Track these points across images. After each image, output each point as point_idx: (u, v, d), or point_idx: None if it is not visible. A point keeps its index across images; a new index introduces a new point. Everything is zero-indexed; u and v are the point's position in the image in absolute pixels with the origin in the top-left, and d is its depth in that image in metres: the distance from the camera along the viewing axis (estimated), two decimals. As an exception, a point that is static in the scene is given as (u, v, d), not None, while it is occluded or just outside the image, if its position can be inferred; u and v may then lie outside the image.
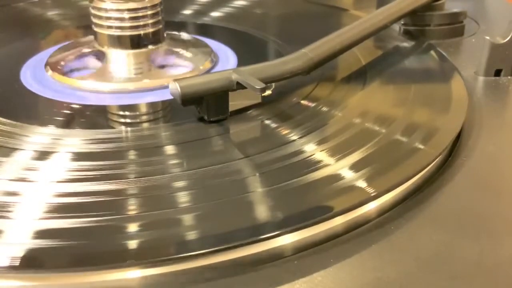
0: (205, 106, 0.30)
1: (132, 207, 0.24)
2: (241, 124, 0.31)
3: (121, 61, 0.38)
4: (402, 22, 0.45)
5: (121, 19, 0.37)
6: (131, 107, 0.34)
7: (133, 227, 0.22)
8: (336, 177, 0.25)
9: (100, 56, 0.38)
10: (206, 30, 0.48)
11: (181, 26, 0.48)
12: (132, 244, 0.21)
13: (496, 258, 0.22)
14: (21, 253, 0.21)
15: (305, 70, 0.33)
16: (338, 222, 0.23)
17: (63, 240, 0.21)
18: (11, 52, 0.43)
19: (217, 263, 0.22)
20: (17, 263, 0.20)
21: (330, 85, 0.35)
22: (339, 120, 0.31)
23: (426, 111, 0.32)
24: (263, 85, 0.29)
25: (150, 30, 0.38)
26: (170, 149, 0.28)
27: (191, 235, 0.22)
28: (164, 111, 0.34)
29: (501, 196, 0.26)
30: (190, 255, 0.21)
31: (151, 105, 0.34)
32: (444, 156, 0.29)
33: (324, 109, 0.32)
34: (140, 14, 0.37)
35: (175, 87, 0.30)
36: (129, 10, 0.37)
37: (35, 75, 0.38)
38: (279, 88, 0.33)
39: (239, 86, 0.30)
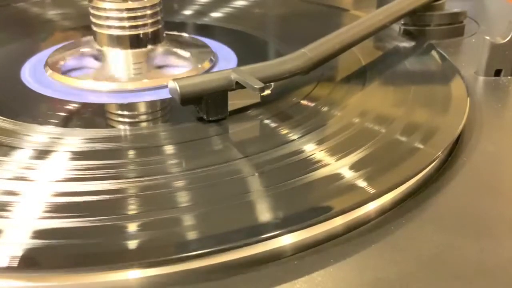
0: (204, 106, 0.30)
1: (132, 207, 0.23)
2: (241, 123, 0.31)
3: (121, 60, 0.38)
4: (402, 22, 0.45)
5: (121, 19, 0.37)
6: (130, 107, 0.34)
7: (132, 227, 0.22)
8: (336, 177, 0.25)
9: (100, 55, 0.38)
10: (206, 30, 0.48)
11: (181, 26, 0.48)
12: (132, 244, 0.21)
13: (496, 258, 0.22)
14: (20, 253, 0.21)
15: (304, 70, 0.33)
16: (338, 222, 0.23)
17: (63, 240, 0.21)
18: (11, 52, 0.43)
19: (217, 263, 0.21)
20: (16, 263, 0.20)
21: (330, 85, 0.35)
22: (339, 120, 0.31)
23: (426, 111, 0.32)
24: (262, 85, 0.29)
25: (150, 30, 0.38)
26: (169, 149, 0.28)
27: (191, 235, 0.22)
28: (163, 111, 0.34)
29: (501, 196, 0.26)
30: (190, 255, 0.21)
31: (150, 104, 0.34)
32: (444, 156, 0.29)
33: (324, 109, 0.32)
34: (139, 14, 0.37)
35: (174, 86, 0.30)
36: (128, 10, 0.37)
37: (35, 75, 0.38)
38: (279, 88, 0.33)
39: (238, 85, 0.30)
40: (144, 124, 0.32)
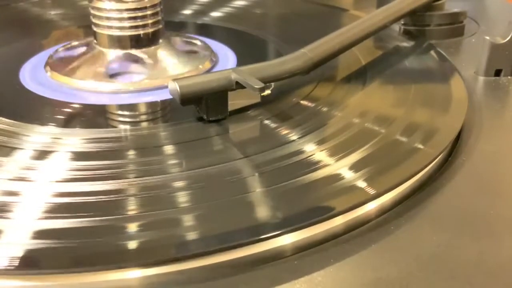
0: (205, 106, 0.30)
1: (132, 207, 0.23)
2: (241, 124, 0.31)
3: (121, 61, 0.38)
4: (402, 22, 0.45)
5: (121, 19, 0.37)
6: (131, 107, 0.34)
7: (133, 227, 0.22)
8: (336, 177, 0.25)
9: (100, 56, 0.38)
10: (206, 30, 0.48)
11: (181, 26, 0.48)
12: (132, 244, 0.21)
13: (496, 258, 0.22)
14: (20, 253, 0.21)
15: (305, 70, 0.33)
16: (338, 222, 0.23)
17: (63, 240, 0.21)
18: (11, 52, 0.43)
19: (217, 263, 0.22)
20: (16, 263, 0.20)
21: (330, 85, 0.35)
22: (339, 120, 0.31)
23: (426, 111, 0.32)
24: (262, 85, 0.29)
25: (150, 30, 0.38)
26: (169, 149, 0.28)
27: (191, 235, 0.22)
28: (164, 111, 0.34)
29: (501, 196, 0.26)
30: (190, 255, 0.21)
31: (151, 104, 0.34)
32: (444, 156, 0.29)
33: (324, 109, 0.32)
34: (139, 14, 0.37)
35: (174, 86, 0.30)
36: (128, 10, 0.37)
37: (35, 75, 0.38)
38: (279, 88, 0.33)
39: (239, 85, 0.30)
40: (144, 125, 0.32)
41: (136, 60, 0.38)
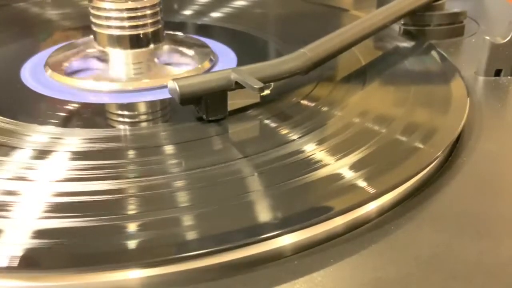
0: (204, 106, 0.30)
1: (132, 207, 0.23)
2: (240, 123, 0.31)
3: (121, 60, 0.38)
4: (402, 22, 0.45)
5: (121, 19, 0.37)
6: (131, 107, 0.34)
7: (133, 227, 0.22)
8: (336, 177, 0.25)
9: (100, 56, 0.38)
10: (206, 30, 0.48)
11: (181, 26, 0.48)
12: (132, 244, 0.21)
13: (496, 258, 0.22)
14: (20, 253, 0.21)
15: (304, 70, 0.33)
16: (338, 222, 0.23)
17: (62, 240, 0.21)
18: (11, 52, 0.43)
19: (217, 263, 0.21)
20: (16, 263, 0.20)
21: (330, 85, 0.35)
22: (339, 120, 0.31)
23: (426, 111, 0.32)
24: (261, 85, 0.29)
25: (150, 30, 0.38)
26: (169, 149, 0.28)
27: (191, 235, 0.22)
28: (163, 111, 0.34)
29: (501, 196, 0.26)
30: (190, 255, 0.21)
31: (150, 104, 0.34)
32: (444, 156, 0.29)
33: (324, 109, 0.32)
34: (139, 14, 0.37)
35: (173, 86, 0.30)
36: (128, 10, 0.37)
37: (35, 75, 0.38)
38: (279, 88, 0.33)
39: (238, 85, 0.30)
40: (144, 124, 0.32)
41: (136, 60, 0.38)
